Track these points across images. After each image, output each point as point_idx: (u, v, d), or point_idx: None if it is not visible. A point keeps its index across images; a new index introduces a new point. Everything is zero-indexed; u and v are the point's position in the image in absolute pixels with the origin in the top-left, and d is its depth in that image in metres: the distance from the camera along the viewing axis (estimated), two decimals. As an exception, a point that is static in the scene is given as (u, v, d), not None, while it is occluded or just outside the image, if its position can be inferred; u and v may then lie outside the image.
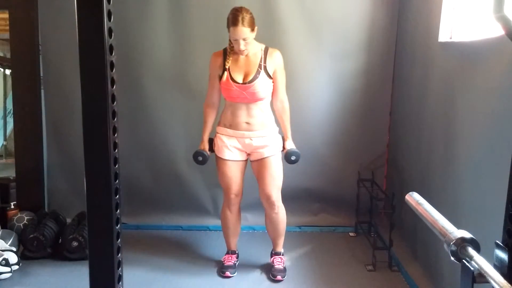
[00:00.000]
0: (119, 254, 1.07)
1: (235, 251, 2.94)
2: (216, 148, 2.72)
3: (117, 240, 1.06)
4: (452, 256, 0.99)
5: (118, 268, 1.07)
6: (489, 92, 1.97)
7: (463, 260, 0.96)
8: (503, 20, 0.97)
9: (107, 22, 0.97)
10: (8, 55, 4.18)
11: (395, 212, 2.89)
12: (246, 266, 2.94)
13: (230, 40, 2.56)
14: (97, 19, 0.96)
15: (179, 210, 3.62)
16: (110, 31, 0.98)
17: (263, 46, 2.61)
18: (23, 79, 3.39)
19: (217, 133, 2.72)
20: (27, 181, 3.42)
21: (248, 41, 2.50)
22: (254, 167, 2.72)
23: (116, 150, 1.04)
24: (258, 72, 2.55)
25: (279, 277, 2.73)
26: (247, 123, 2.62)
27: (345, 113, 3.48)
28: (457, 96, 2.31)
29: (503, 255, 1.00)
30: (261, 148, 2.64)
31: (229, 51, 2.59)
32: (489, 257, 0.98)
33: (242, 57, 2.59)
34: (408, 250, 3.00)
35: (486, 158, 1.96)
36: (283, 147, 2.72)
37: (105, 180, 1.01)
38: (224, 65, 2.58)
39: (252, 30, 2.49)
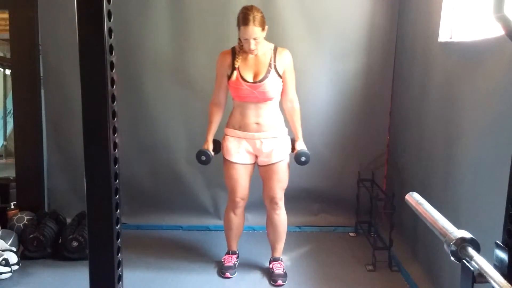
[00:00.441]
0: (119, 254, 1.07)
1: (236, 252, 2.94)
2: (224, 150, 2.68)
3: (117, 240, 1.06)
4: (452, 256, 0.98)
5: (118, 268, 1.07)
6: (489, 92, 1.97)
7: (463, 260, 0.96)
8: (503, 20, 0.97)
9: (107, 22, 0.97)
10: (8, 55, 4.17)
11: (395, 212, 2.89)
12: (246, 266, 2.93)
13: (239, 39, 2.53)
14: (97, 19, 0.96)
15: (179, 210, 3.62)
16: (110, 31, 0.98)
17: (272, 46, 2.59)
18: (23, 79, 3.39)
19: (226, 135, 2.68)
20: (27, 181, 3.42)
21: (259, 40, 2.47)
22: (261, 170, 2.70)
23: (116, 150, 1.04)
24: (268, 71, 2.53)
25: (280, 282, 2.72)
26: (257, 123, 2.59)
27: (345, 113, 3.48)
28: (457, 96, 2.31)
29: (503, 255, 1.00)
30: (269, 154, 2.62)
31: (238, 50, 2.56)
32: (489, 257, 0.97)
33: (251, 56, 2.56)
34: (408, 250, 3.00)
35: (486, 158, 1.96)
36: (294, 148, 2.69)
37: (105, 180, 1.02)
38: (233, 64, 2.55)
39: (263, 29, 2.46)
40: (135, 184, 3.53)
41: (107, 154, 1.01)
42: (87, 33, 0.97)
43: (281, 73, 2.57)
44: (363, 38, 3.39)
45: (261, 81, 2.51)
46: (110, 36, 0.99)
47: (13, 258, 2.79)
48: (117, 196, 1.05)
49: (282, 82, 2.60)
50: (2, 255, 2.71)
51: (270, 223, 2.79)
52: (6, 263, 2.71)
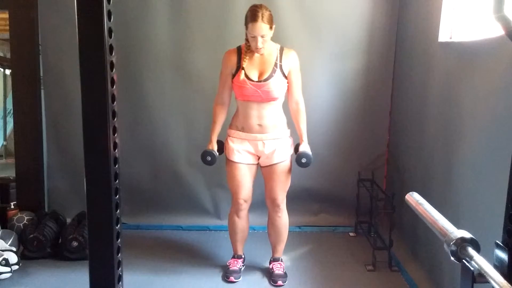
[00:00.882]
0: (119, 254, 1.07)
1: (242, 256, 2.90)
2: (227, 151, 2.67)
3: (117, 240, 1.06)
4: (452, 256, 0.99)
5: (118, 268, 1.07)
6: (489, 92, 1.97)
7: (463, 260, 0.96)
8: (503, 20, 0.97)
9: (107, 22, 0.97)
10: (8, 55, 4.17)
11: (395, 212, 2.89)
12: (246, 266, 2.92)
13: (246, 38, 2.52)
14: (97, 19, 0.96)
15: (179, 210, 3.62)
16: (110, 31, 0.98)
17: (278, 46, 2.58)
18: (23, 79, 3.39)
19: (228, 135, 2.68)
20: (27, 181, 3.41)
21: (266, 38, 2.45)
22: (263, 171, 2.69)
23: (116, 150, 1.04)
24: (274, 71, 2.51)
25: (280, 283, 2.71)
26: (259, 125, 2.58)
27: (345, 113, 3.48)
28: (457, 96, 2.31)
29: (503, 255, 1.00)
30: (271, 155, 2.61)
31: (245, 50, 2.55)
32: (489, 257, 0.98)
33: (257, 56, 2.55)
34: (408, 250, 3.00)
35: (486, 158, 1.96)
36: (297, 150, 2.66)
37: (105, 180, 1.02)
38: (239, 63, 2.54)
39: (271, 27, 2.45)
40: (135, 184, 3.53)
41: (107, 154, 1.01)
42: (87, 33, 0.97)
43: (286, 74, 2.56)
44: (363, 38, 3.39)
45: (266, 80, 2.50)
46: (110, 36, 0.99)
47: (13, 258, 2.79)
48: (117, 196, 1.05)
49: (287, 82, 2.59)
50: (2, 255, 2.71)
51: (272, 225, 2.78)
52: (6, 263, 2.71)
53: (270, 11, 2.46)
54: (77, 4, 0.95)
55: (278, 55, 2.55)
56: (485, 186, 1.95)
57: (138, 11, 3.38)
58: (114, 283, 1.05)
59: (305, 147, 2.64)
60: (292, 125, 2.71)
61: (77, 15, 0.96)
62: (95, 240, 1.05)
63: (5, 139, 5.33)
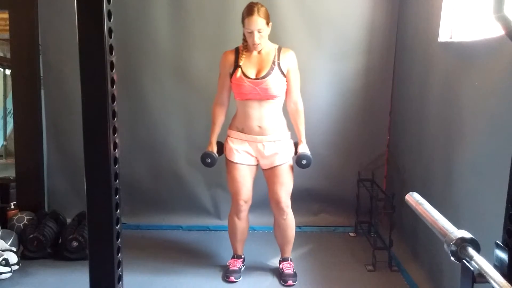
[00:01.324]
0: (119, 254, 1.07)
1: (241, 256, 2.90)
2: (226, 152, 2.67)
3: (117, 240, 1.06)
4: (452, 256, 0.99)
5: (118, 268, 1.07)
6: (489, 92, 1.97)
7: (463, 260, 0.96)
8: (503, 20, 0.97)
9: (107, 22, 0.97)
10: (8, 55, 4.17)
11: (395, 212, 2.89)
12: (246, 266, 2.92)
13: (243, 38, 2.53)
14: (97, 19, 0.96)
15: (179, 210, 3.62)
16: (110, 31, 0.99)
17: (276, 46, 2.59)
18: (23, 79, 3.39)
19: (228, 136, 2.67)
20: (27, 181, 3.42)
21: (263, 34, 2.46)
22: (265, 174, 2.69)
23: (116, 150, 1.04)
24: (271, 69, 2.51)
25: (290, 282, 2.71)
26: (259, 126, 2.57)
27: (345, 113, 3.48)
28: (457, 96, 2.31)
29: (503, 255, 1.00)
30: (272, 157, 2.61)
31: (242, 49, 2.56)
32: (489, 257, 0.98)
33: (255, 54, 2.55)
34: (408, 250, 3.00)
35: (486, 158, 1.96)
36: (297, 151, 2.66)
37: (105, 180, 1.02)
38: (236, 62, 2.55)
39: (267, 23, 2.47)
40: (135, 184, 3.53)
41: (107, 154, 1.01)
42: (87, 33, 0.97)
43: (285, 72, 2.55)
44: (363, 38, 3.39)
45: (263, 77, 2.50)
46: (110, 36, 0.99)
47: (13, 258, 2.79)
48: (117, 196, 1.05)
49: (286, 82, 2.59)
50: (2, 255, 2.71)
51: (278, 228, 2.77)
52: (6, 263, 2.71)
53: (266, 8, 2.48)
54: (77, 4, 0.95)
55: (276, 54, 2.55)
56: (485, 186, 1.95)
57: (138, 11, 3.38)
58: (114, 283, 1.05)
59: (304, 148, 2.64)
60: (291, 126, 2.71)
61: (77, 15, 0.96)
62: (95, 240, 1.05)
63: (5, 139, 5.33)
